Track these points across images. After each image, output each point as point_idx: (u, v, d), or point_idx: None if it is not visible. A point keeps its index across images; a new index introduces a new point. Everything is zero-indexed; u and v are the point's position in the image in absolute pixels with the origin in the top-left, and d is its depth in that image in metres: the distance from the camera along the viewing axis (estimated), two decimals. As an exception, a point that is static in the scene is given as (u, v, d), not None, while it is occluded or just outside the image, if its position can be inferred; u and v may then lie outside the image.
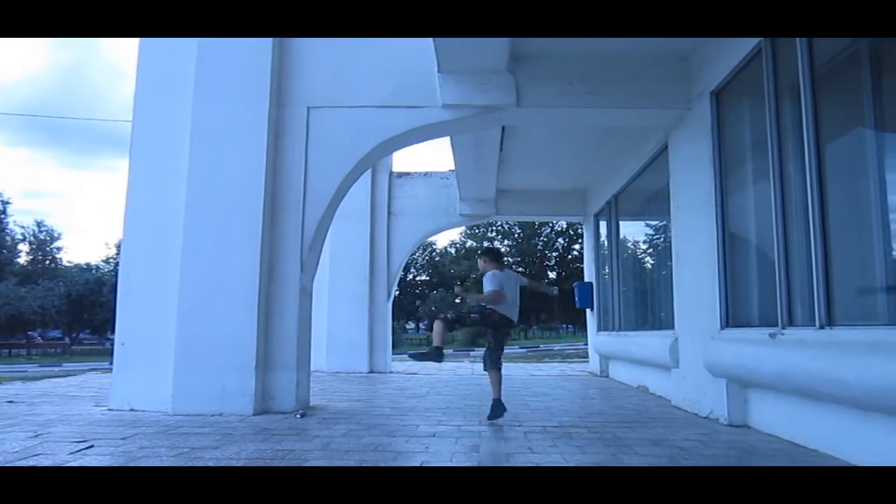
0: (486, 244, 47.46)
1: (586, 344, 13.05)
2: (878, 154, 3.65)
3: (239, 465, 3.65)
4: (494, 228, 53.20)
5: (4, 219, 47.54)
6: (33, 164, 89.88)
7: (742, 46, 5.05)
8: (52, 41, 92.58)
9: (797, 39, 4.23)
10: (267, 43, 6.19)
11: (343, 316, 11.66)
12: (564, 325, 55.52)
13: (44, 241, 52.96)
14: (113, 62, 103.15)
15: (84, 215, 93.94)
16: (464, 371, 11.88)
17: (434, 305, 48.05)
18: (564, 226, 49.93)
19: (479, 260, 6.05)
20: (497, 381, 5.48)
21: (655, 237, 8.94)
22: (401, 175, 12.64)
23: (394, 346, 13.71)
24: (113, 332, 6.30)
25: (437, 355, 5.40)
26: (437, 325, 5.46)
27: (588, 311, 11.99)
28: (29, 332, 45.55)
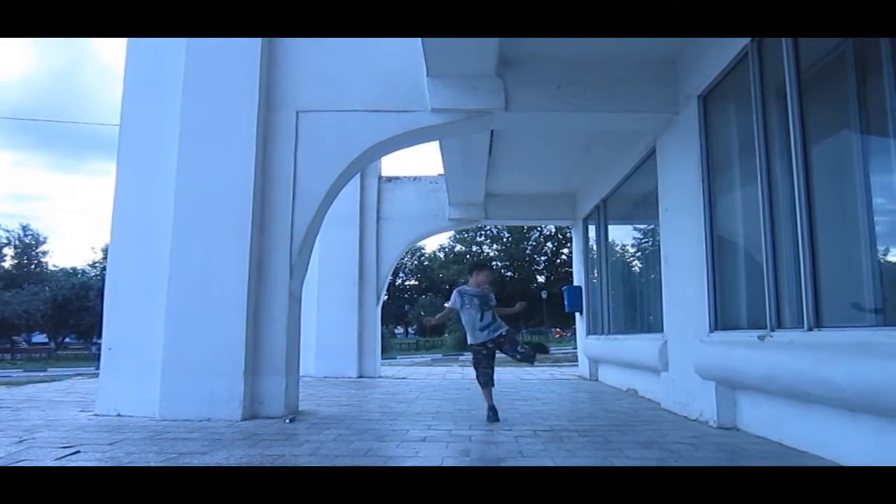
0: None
1: (576, 348, 13.07)
2: (865, 156, 3.68)
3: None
4: (483, 233, 53.30)
5: (-11, 223, 47.17)
6: (19, 168, 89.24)
7: (728, 49, 5.08)
8: (45, 43, 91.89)
9: (783, 42, 4.26)
10: (256, 46, 6.16)
11: (332, 320, 11.63)
12: (554, 329, 55.63)
13: (29, 245, 52.51)
14: (106, 65, 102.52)
15: (70, 219, 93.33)
16: (454, 375, 11.88)
17: (422, 310, 48.08)
18: (553, 230, 50.07)
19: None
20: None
21: (644, 241, 8.97)
22: (390, 179, 12.63)
23: (383, 351, 13.69)
24: (99, 336, 6.25)
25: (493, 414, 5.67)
26: (485, 393, 5.80)
27: (577, 314, 12.01)
28: (13, 337, 45.09)
